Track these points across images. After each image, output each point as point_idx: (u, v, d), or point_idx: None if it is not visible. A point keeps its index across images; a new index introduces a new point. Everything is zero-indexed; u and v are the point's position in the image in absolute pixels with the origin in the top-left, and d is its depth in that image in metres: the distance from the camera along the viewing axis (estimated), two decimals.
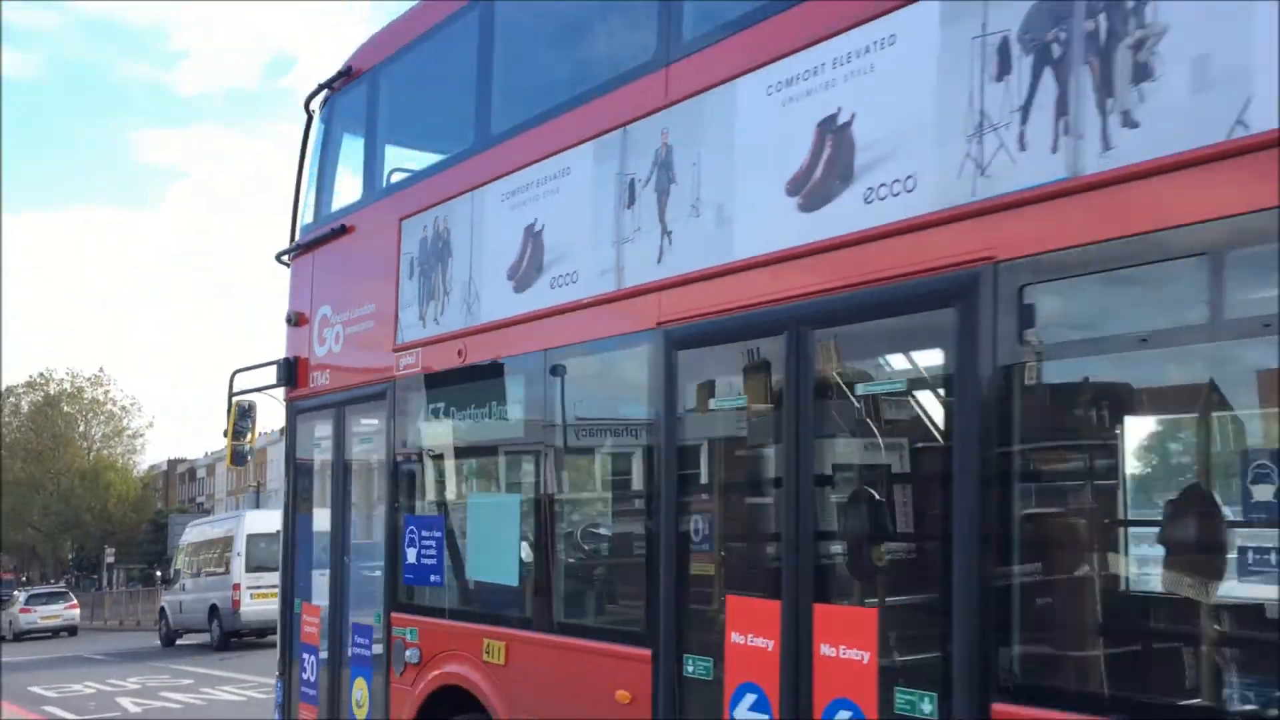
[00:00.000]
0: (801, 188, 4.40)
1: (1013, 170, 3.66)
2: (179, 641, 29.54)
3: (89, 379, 71.29)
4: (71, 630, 38.80)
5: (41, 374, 71.22)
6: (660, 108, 5.12)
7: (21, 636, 37.20)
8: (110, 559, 62.80)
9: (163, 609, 30.76)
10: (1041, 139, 3.58)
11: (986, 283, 3.69)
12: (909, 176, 3.99)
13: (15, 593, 45.34)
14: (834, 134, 4.28)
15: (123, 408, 72.99)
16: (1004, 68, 3.70)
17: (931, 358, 4.07)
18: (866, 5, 4.19)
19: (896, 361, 4.46)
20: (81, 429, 71.95)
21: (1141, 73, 3.33)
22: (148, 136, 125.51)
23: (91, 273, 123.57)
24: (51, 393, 70.60)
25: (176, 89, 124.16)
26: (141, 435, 75.48)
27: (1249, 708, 3.43)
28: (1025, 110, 3.63)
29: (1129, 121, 3.36)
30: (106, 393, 71.99)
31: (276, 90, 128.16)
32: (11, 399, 70.29)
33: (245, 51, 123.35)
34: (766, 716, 4.37)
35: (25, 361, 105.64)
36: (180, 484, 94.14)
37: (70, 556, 72.85)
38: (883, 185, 4.08)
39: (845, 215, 4.21)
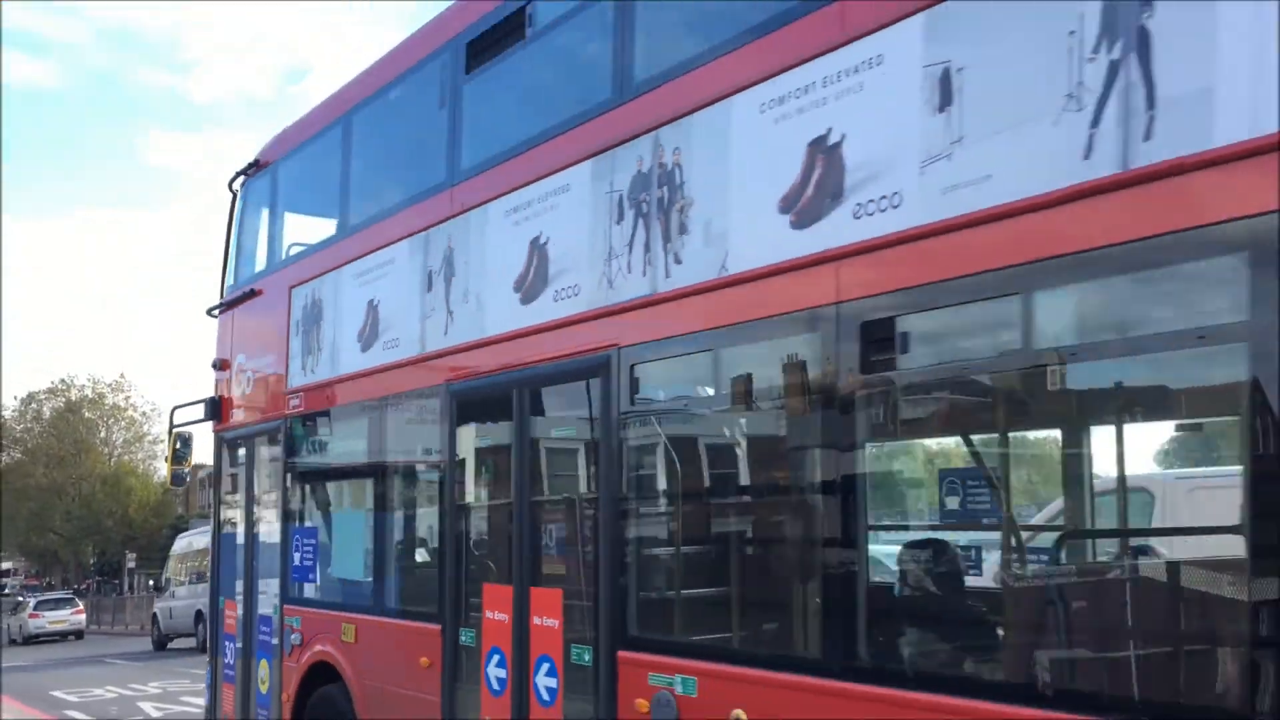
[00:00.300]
0: (521, 286, 6.06)
1: (625, 286, 5.31)
2: (170, 645, 31.17)
3: (110, 385, 71.34)
4: (78, 634, 40.19)
5: (63, 380, 71.04)
6: (448, 218, 6.79)
7: (30, 640, 38.91)
8: (132, 564, 63.92)
9: (155, 615, 32.69)
10: (638, 266, 5.23)
11: (614, 363, 5.35)
12: (575, 285, 5.65)
13: (28, 598, 46.88)
14: (538, 250, 5.94)
15: (143, 413, 73.27)
16: (620, 215, 5.36)
17: (588, 413, 5.70)
18: (554, 159, 5.85)
19: (572, 416, 6.10)
20: (103, 435, 71.92)
21: (683, 228, 4.98)
22: (159, 140, 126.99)
23: (91, 273, 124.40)
24: (73, 399, 70.53)
25: (191, 95, 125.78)
26: (162, 441, 76.37)
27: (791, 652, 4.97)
28: (630, 245, 5.29)
29: (677, 259, 5.01)
30: (127, 399, 72.05)
31: (289, 96, 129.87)
32: (33, 405, 71.25)
33: (258, 57, 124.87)
34: (504, 671, 6.03)
35: (25, 361, 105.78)
36: (200, 489, 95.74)
37: (92, 562, 73.79)
38: (563, 289, 5.74)
39: (544, 309, 5.88)
